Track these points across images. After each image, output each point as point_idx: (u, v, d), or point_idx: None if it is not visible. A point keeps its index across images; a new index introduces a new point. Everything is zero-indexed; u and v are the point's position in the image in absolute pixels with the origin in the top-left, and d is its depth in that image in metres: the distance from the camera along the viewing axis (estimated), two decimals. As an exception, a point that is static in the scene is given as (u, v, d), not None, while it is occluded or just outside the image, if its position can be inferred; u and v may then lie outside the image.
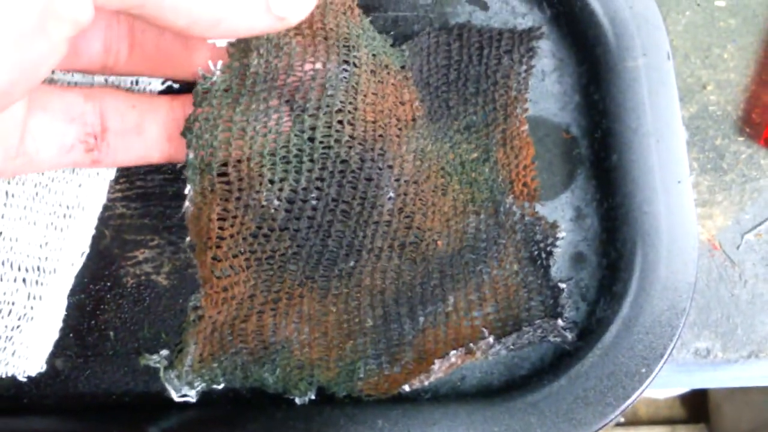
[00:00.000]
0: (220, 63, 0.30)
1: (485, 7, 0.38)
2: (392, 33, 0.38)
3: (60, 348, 0.33)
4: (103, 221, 0.34)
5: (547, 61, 0.38)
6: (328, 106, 0.30)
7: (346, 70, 0.31)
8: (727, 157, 0.39)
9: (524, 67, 0.36)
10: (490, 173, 0.36)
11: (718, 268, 0.37)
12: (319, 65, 0.30)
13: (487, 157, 0.36)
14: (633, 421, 1.06)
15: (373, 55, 0.32)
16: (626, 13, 0.35)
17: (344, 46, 0.31)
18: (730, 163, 0.39)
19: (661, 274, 0.32)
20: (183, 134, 0.30)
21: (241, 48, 0.30)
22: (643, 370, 0.31)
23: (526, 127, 0.36)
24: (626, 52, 0.35)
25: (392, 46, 0.35)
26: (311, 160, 0.31)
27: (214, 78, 0.29)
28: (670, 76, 0.34)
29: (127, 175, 0.35)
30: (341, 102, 0.31)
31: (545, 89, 0.38)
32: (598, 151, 0.36)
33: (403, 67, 0.35)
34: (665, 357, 0.31)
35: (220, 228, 0.31)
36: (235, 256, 0.31)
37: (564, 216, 0.36)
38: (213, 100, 0.29)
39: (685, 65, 0.40)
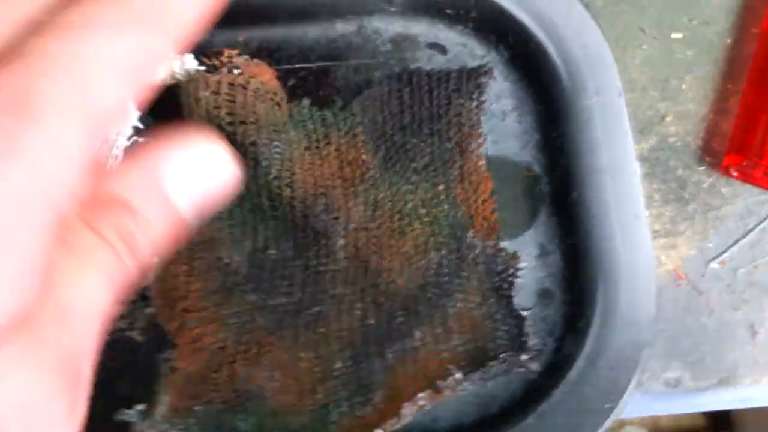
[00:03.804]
0: None
1: (444, 51, 0.39)
2: (354, 80, 0.39)
3: (37, 407, 0.34)
4: (77, 279, 0.35)
5: (507, 101, 0.39)
6: (266, 174, 0.33)
7: (278, 146, 0.33)
8: (689, 186, 0.39)
9: (475, 103, 0.37)
10: (450, 209, 0.36)
11: (684, 297, 0.38)
12: (249, 141, 0.32)
13: (447, 194, 0.37)
14: (654, 430, 1.05)
15: (306, 135, 0.35)
16: (578, 53, 0.36)
17: (274, 130, 0.33)
18: (691, 192, 0.39)
19: (622, 309, 0.33)
20: None
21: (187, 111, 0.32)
22: (607, 405, 0.32)
23: (482, 162, 0.37)
24: (581, 92, 0.36)
25: (342, 108, 0.36)
26: (263, 219, 0.34)
27: None
28: (622, 113, 0.35)
29: (99, 233, 0.36)
30: (278, 170, 0.33)
31: (506, 128, 0.38)
32: (559, 188, 0.37)
33: (349, 129, 0.36)
34: (628, 391, 0.32)
35: (187, 283, 0.33)
36: (203, 309, 0.33)
37: (530, 253, 0.37)
38: None
39: (644, 98, 0.41)
